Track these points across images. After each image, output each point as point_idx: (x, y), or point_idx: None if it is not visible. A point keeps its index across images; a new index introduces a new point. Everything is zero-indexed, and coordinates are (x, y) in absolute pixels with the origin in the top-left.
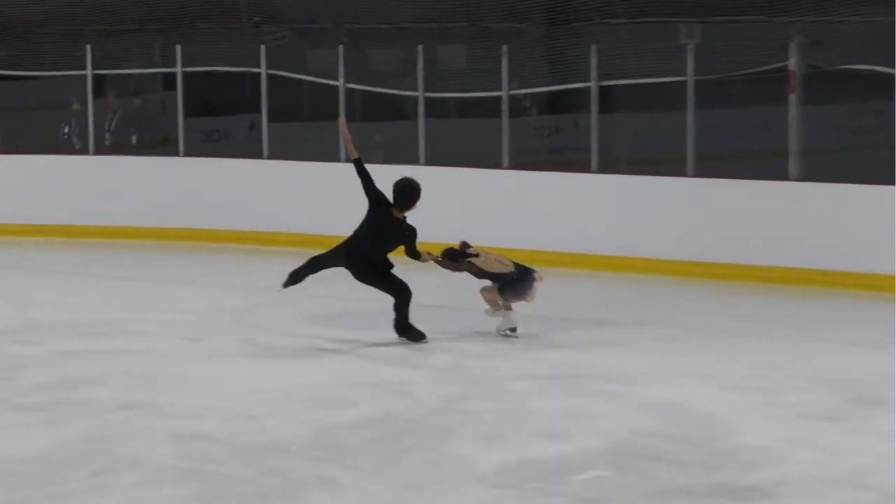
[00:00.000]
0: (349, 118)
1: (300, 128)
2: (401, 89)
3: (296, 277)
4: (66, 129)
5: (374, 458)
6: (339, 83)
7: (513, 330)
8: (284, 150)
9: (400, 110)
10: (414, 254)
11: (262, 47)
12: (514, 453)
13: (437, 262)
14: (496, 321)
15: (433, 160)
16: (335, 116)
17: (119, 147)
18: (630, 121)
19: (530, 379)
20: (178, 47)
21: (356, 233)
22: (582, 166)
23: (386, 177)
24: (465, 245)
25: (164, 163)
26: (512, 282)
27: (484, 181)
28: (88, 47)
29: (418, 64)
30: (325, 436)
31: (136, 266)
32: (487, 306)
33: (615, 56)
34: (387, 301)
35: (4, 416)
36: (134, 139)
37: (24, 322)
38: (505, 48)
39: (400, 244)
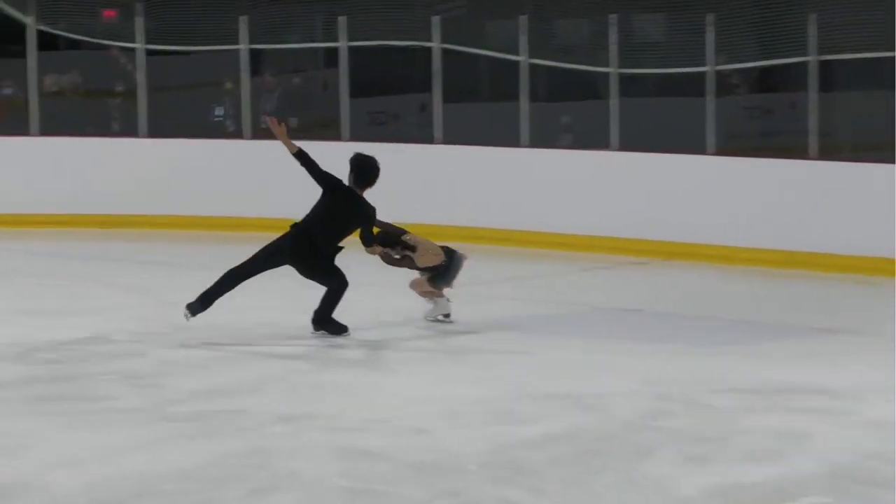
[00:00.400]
0: (533, 97)
1: (477, 108)
2: (591, 65)
3: (206, 301)
4: (221, 111)
5: (559, 479)
6: (522, 58)
7: (446, 316)
8: (459, 134)
9: (590, 88)
10: (368, 239)
11: (436, 19)
12: (719, 476)
13: (382, 257)
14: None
15: (627, 144)
16: (516, 96)
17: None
18: (854, 100)
19: (737, 393)
20: (343, 19)
21: (305, 222)
22: (799, 152)
23: (573, 162)
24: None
25: (326, 148)
26: (444, 272)
27: (685, 168)
28: (244, 19)
29: (610, 36)
30: (505, 454)
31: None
32: (424, 298)
33: (836, 27)
34: (571, 305)
35: (153, 427)
36: (294, 121)
37: (170, 324)
38: (710, 18)
39: (356, 227)
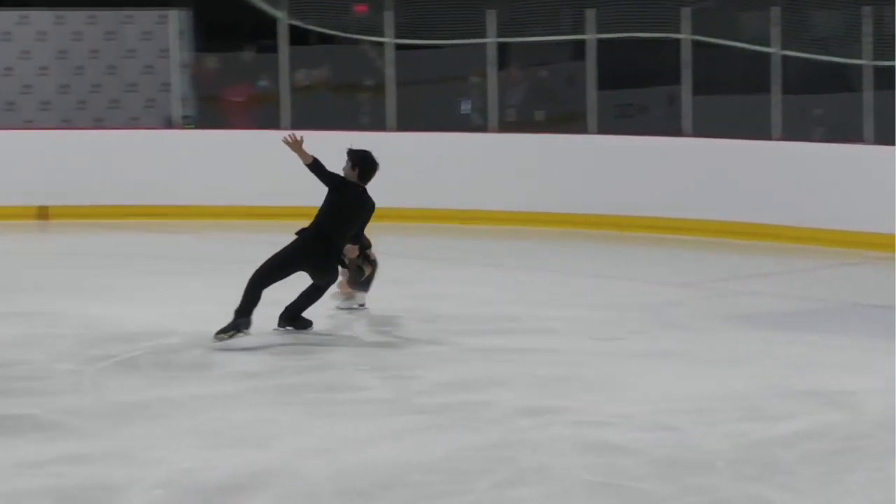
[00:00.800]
0: (785, 89)
1: (727, 101)
2: (845, 57)
3: (244, 316)
4: (467, 107)
5: (811, 477)
6: (774, 50)
7: (362, 305)
8: (709, 126)
9: (844, 81)
10: (361, 236)
11: (686, 10)
12: None
13: (353, 263)
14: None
15: (883, 138)
16: (768, 88)
17: (523, 124)
18: None
19: None
20: (591, 11)
21: (319, 224)
22: None
23: (826, 155)
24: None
25: (572, 141)
26: (367, 282)
27: None
28: (492, 13)
29: (864, 28)
30: (755, 451)
31: (536, 256)
32: (342, 296)
33: None
34: (818, 300)
35: (403, 418)
36: (540, 115)
37: (421, 316)
38: None
39: (362, 221)
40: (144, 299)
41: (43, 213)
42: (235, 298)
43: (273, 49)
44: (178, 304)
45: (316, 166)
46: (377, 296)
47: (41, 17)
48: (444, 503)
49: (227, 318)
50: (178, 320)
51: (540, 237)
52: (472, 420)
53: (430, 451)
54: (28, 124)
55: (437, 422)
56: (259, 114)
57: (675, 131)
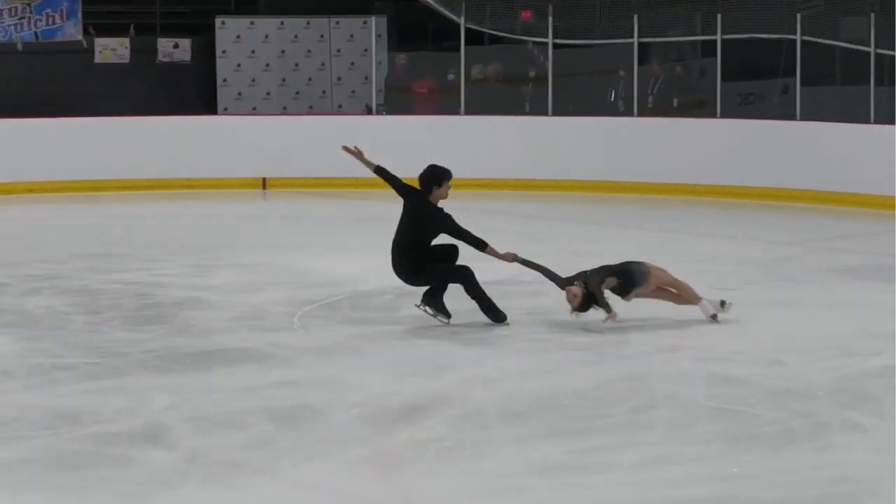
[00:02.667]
0: (878, 82)
1: (832, 91)
2: None
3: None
4: (613, 94)
5: None
6: (870, 49)
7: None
8: (816, 112)
9: None
10: (475, 242)
11: (798, 15)
12: None
13: (523, 262)
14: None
15: None
16: (867, 81)
17: (660, 110)
18: None
19: None
20: (719, 16)
21: (395, 236)
22: None
23: None
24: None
25: (701, 124)
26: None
27: None
28: (635, 17)
29: None
30: (850, 382)
31: (668, 219)
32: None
33: None
34: None
35: (556, 354)
36: (675, 102)
37: (569, 269)
38: None
39: (434, 231)
40: (346, 254)
41: (264, 184)
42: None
43: (453, 49)
44: (373, 258)
45: (382, 172)
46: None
47: (266, 24)
48: (588, 424)
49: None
50: (373, 272)
51: (672, 204)
52: (613, 356)
53: (578, 382)
54: (253, 111)
55: (583, 358)
56: (441, 102)
57: (788, 116)
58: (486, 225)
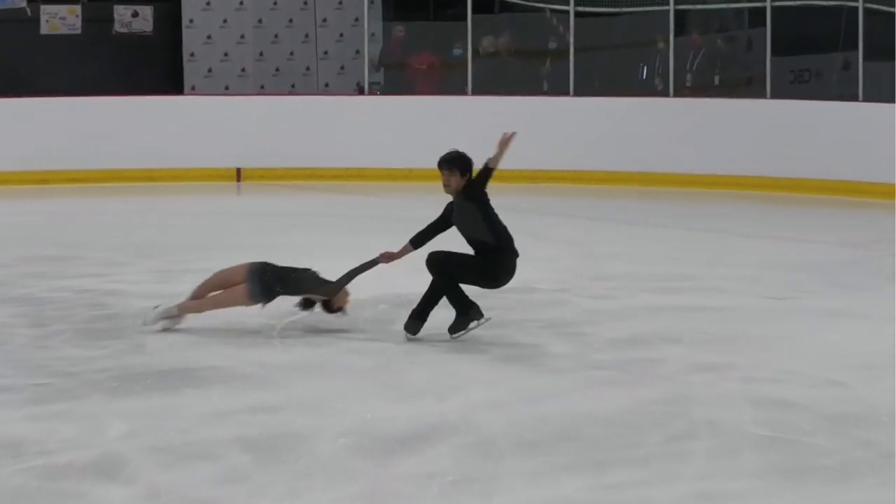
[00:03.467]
0: None
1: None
2: None
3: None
4: (646, 70)
5: None
6: None
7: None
8: (881, 92)
9: None
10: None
11: None
12: None
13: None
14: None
15: None
16: None
17: (700, 89)
18: None
19: None
20: None
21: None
22: None
23: None
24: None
25: (748, 106)
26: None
27: None
28: None
29: None
30: None
31: (707, 216)
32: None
33: None
34: None
35: (578, 374)
36: (717, 80)
37: (594, 274)
38: None
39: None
40: (334, 257)
41: (238, 176)
42: (420, 256)
43: (459, 18)
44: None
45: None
46: (553, 255)
47: None
48: (616, 456)
49: (405, 275)
50: (366, 278)
51: (714, 199)
52: (644, 376)
53: (604, 406)
54: (226, 91)
55: (611, 377)
56: (444, 80)
57: (850, 96)
58: None
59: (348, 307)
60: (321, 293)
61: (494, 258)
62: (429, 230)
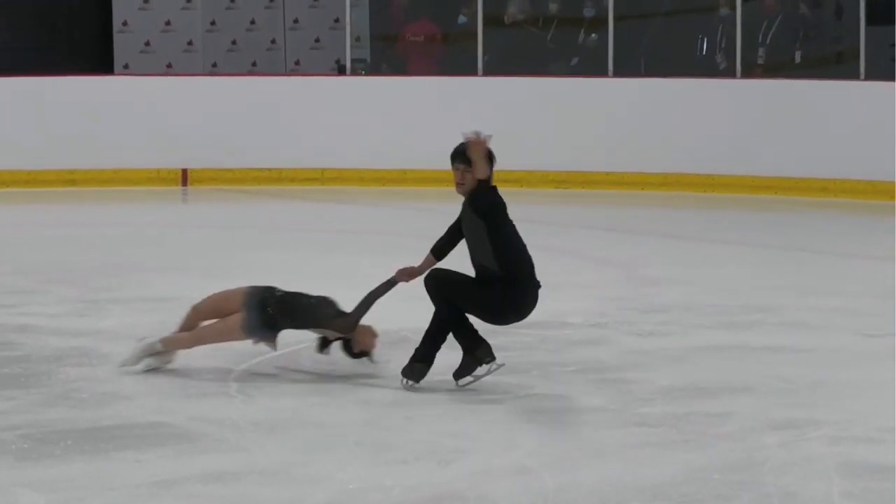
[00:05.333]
0: None
1: None
2: None
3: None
4: (706, 44)
5: None
6: None
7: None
8: None
9: None
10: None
11: None
12: None
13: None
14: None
15: None
16: None
17: (776, 66)
18: None
19: None
20: None
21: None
22: None
23: None
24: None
25: (837, 88)
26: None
27: None
28: None
29: None
30: None
31: (786, 231)
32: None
33: None
34: None
35: (620, 432)
36: (797, 56)
37: (640, 305)
38: None
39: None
40: (305, 281)
41: (184, 178)
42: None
43: None
44: (344, 286)
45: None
46: (590, 281)
47: None
48: None
49: (400, 301)
50: (344, 307)
51: (791, 207)
52: (703, 435)
53: (654, 474)
54: (168, 70)
55: (662, 437)
56: (447, 57)
57: None
58: None
59: (376, 351)
60: (336, 329)
61: (501, 290)
62: (452, 235)
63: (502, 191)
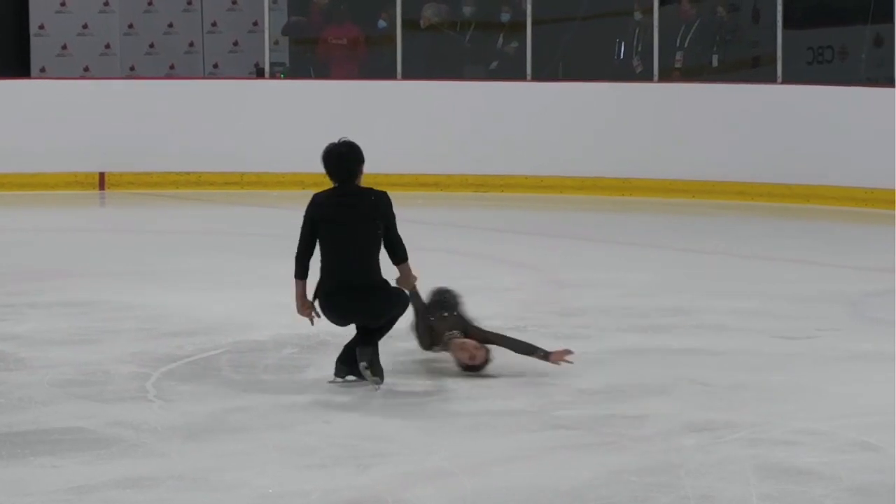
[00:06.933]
0: None
1: None
2: None
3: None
4: (623, 48)
5: None
6: None
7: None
8: None
9: None
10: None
11: None
12: None
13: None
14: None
15: None
16: None
17: (694, 70)
18: None
19: None
20: None
21: None
22: None
23: None
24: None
25: (753, 93)
26: None
27: None
28: None
29: None
30: None
31: (702, 234)
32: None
33: None
34: None
35: (538, 435)
36: (714, 60)
37: (558, 308)
38: None
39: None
40: (223, 287)
41: (101, 182)
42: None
43: None
44: (264, 292)
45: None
46: (508, 284)
47: None
48: None
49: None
50: (265, 313)
51: (706, 211)
52: (621, 437)
53: (571, 476)
54: (86, 73)
55: (580, 440)
56: (368, 61)
57: (887, 79)
58: (431, 244)
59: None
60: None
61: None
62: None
63: (422, 194)
